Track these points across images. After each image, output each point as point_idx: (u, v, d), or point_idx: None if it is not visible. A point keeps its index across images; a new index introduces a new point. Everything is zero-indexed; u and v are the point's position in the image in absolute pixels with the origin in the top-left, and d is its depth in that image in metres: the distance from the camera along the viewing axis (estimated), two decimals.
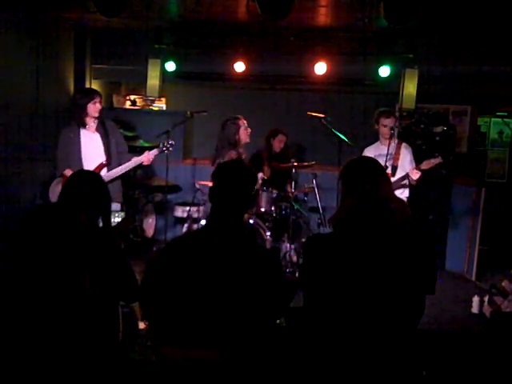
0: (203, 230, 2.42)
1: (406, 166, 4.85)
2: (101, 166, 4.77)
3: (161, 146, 4.97)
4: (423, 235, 2.23)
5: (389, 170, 4.86)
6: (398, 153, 4.88)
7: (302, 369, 2.15)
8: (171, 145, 4.99)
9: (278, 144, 6.18)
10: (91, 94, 4.82)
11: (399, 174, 4.81)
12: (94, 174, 2.78)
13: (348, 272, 2.12)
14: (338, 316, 2.14)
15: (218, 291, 2.05)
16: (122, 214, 4.74)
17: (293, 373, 2.12)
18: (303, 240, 6.20)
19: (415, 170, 4.66)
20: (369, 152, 5.00)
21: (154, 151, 4.92)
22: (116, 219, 4.40)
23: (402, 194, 4.83)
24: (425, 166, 4.65)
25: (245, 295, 2.06)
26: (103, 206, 2.59)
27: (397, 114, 6.42)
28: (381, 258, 2.11)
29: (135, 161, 4.84)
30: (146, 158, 4.84)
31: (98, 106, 4.77)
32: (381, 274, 2.10)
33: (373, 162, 2.38)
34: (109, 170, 4.80)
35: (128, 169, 4.85)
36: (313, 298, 2.21)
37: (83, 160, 4.77)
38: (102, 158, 4.78)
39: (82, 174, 2.93)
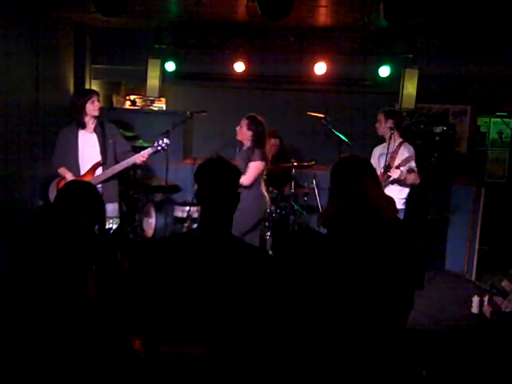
0: (193, 231, 2.39)
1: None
2: (96, 166, 4.78)
3: (155, 144, 4.93)
4: (410, 232, 2.24)
5: (382, 170, 4.86)
6: (396, 152, 4.87)
7: (299, 368, 2.15)
8: (166, 144, 4.96)
9: (269, 148, 6.13)
10: (89, 94, 4.82)
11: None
12: (87, 184, 2.73)
13: (338, 270, 2.12)
14: (332, 314, 2.14)
15: (210, 290, 2.05)
16: (117, 220, 4.73)
17: (289, 372, 2.12)
18: None
19: (395, 170, 4.64)
20: (376, 151, 5.10)
21: (148, 150, 4.89)
22: (113, 225, 4.39)
23: (400, 194, 4.79)
24: (402, 164, 4.63)
25: (238, 294, 2.06)
26: (98, 216, 2.56)
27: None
28: (369, 254, 2.12)
29: (128, 161, 4.83)
30: (139, 157, 4.83)
31: (97, 105, 4.77)
32: (370, 271, 2.10)
33: (362, 161, 2.38)
34: (104, 170, 4.81)
35: (122, 168, 4.84)
36: (307, 297, 2.21)
37: (80, 160, 4.78)
38: (98, 158, 4.78)
39: (74, 184, 2.87)
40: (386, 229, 2.18)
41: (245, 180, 4.59)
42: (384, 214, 2.19)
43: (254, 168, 4.66)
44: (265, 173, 4.86)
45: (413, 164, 4.72)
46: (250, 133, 4.78)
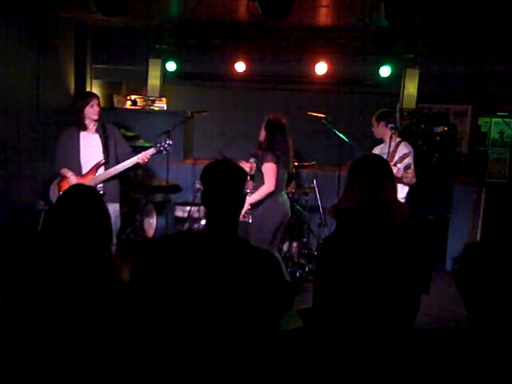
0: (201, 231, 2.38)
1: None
2: (98, 165, 4.78)
3: (158, 145, 4.95)
4: (419, 236, 2.24)
5: None
6: (394, 151, 4.90)
7: (301, 369, 2.14)
8: (169, 144, 4.96)
9: None
10: (87, 98, 4.78)
11: None
12: (90, 189, 2.70)
13: (344, 271, 2.12)
14: (335, 316, 2.14)
15: (216, 293, 2.05)
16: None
17: (293, 372, 2.12)
18: (304, 240, 6.20)
19: (392, 167, 4.66)
20: (375, 151, 5.09)
21: (151, 150, 4.90)
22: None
23: (399, 193, 4.81)
24: (399, 161, 4.66)
25: (244, 297, 2.06)
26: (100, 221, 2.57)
27: (397, 114, 6.45)
28: (376, 256, 2.11)
29: (131, 160, 4.83)
30: (141, 157, 4.83)
31: (96, 109, 4.75)
32: (377, 273, 2.10)
33: (383, 161, 2.39)
34: (106, 170, 4.81)
35: (124, 168, 4.84)
36: (321, 297, 2.21)
37: (81, 160, 4.78)
38: (100, 158, 4.78)
39: (78, 188, 2.82)
40: (393, 231, 2.18)
41: (267, 186, 4.50)
42: (393, 217, 2.18)
43: (268, 172, 4.50)
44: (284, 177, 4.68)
45: (409, 161, 4.76)
46: (264, 134, 4.67)
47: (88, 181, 4.64)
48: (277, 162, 4.53)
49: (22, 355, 1.81)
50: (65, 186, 4.63)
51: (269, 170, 4.52)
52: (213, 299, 2.04)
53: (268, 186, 4.49)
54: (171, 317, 2.05)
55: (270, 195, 4.59)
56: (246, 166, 4.74)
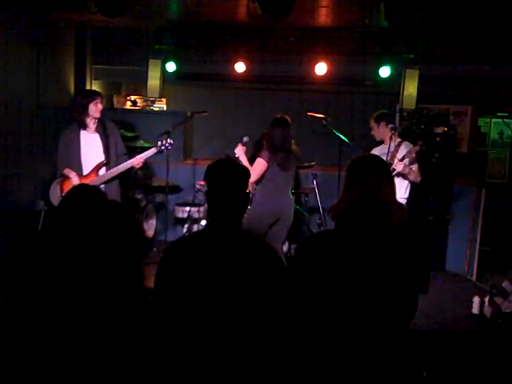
0: (205, 231, 2.38)
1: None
2: (100, 165, 4.78)
3: (159, 144, 4.95)
4: (417, 236, 2.23)
5: None
6: (396, 150, 4.91)
7: (298, 370, 2.14)
8: (170, 144, 4.96)
9: None
10: (92, 95, 4.83)
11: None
12: (94, 189, 2.69)
13: (341, 271, 2.12)
14: (332, 316, 2.14)
15: (220, 287, 2.06)
16: None
17: (290, 374, 2.12)
18: None
19: (399, 162, 4.70)
20: (374, 152, 5.07)
21: (152, 150, 4.90)
22: None
23: (402, 194, 4.82)
24: (407, 156, 4.72)
25: (247, 291, 2.07)
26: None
27: (397, 115, 6.46)
28: (374, 256, 2.12)
29: (125, 164, 4.81)
30: (134, 160, 4.81)
31: (100, 107, 4.78)
32: (373, 273, 2.10)
33: (381, 161, 2.39)
34: (107, 170, 4.81)
35: (126, 168, 4.83)
36: (305, 299, 2.21)
37: (82, 160, 4.78)
38: (101, 158, 4.78)
39: (83, 189, 2.78)
40: (392, 232, 2.18)
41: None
42: (391, 218, 2.18)
43: (255, 164, 4.56)
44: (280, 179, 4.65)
45: (413, 159, 4.82)
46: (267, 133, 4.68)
47: (90, 181, 4.64)
48: (269, 161, 4.54)
49: (24, 355, 1.81)
50: (68, 186, 4.64)
51: (256, 163, 4.57)
52: (217, 294, 2.04)
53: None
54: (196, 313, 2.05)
55: (258, 189, 4.63)
56: (239, 149, 4.76)
